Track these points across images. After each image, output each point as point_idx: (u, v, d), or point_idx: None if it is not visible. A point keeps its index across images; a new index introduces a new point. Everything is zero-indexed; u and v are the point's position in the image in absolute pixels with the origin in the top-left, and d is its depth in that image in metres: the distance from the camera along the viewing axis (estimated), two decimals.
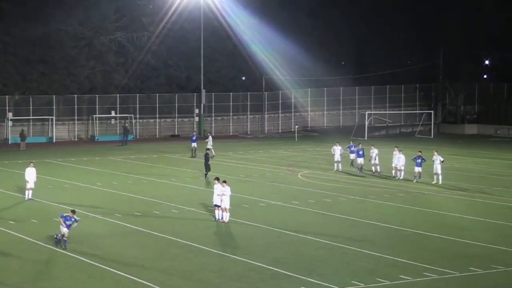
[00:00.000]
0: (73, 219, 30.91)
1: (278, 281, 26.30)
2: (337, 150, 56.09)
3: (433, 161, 50.33)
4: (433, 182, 49.59)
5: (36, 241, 32.10)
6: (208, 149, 57.04)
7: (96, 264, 28.43)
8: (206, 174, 51.28)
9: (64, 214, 31.33)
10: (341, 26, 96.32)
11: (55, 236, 31.18)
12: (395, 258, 29.56)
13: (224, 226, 35.65)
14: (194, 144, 65.60)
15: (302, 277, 26.61)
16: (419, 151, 51.69)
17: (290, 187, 48.50)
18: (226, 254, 30.26)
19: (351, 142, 57.75)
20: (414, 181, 50.26)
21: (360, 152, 55.26)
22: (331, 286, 25.74)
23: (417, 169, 50.66)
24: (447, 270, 27.81)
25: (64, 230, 30.63)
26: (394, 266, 28.43)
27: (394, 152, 52.19)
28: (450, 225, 36.16)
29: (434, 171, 50.03)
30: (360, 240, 32.69)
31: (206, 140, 65.97)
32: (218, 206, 36.51)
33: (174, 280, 26.45)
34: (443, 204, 42.12)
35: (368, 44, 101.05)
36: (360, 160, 55.09)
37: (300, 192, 46.13)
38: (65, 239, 30.66)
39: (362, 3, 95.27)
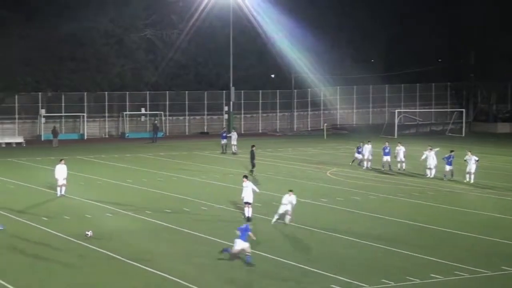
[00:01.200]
0: None
1: (308, 278, 26.31)
2: (367, 148, 56.17)
3: (466, 160, 50.25)
4: (465, 181, 49.47)
5: (68, 237, 32.31)
6: (253, 145, 56.39)
7: (127, 260, 28.58)
8: (252, 171, 51.70)
9: None
10: (371, 24, 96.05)
11: (85, 232, 31.46)
12: (426, 257, 29.51)
13: (253, 224, 35.69)
14: (224, 141, 66.09)
15: (332, 275, 26.60)
16: (451, 150, 51.61)
17: (319, 184, 48.60)
18: (256, 252, 30.26)
19: (387, 143, 57.28)
20: (445, 179, 50.12)
21: (387, 151, 55.28)
22: (361, 284, 25.73)
23: (448, 168, 50.59)
24: (478, 269, 27.71)
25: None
26: (424, 265, 28.38)
27: (429, 152, 52.06)
28: (481, 224, 36.08)
29: (467, 170, 49.87)
30: (389, 238, 32.64)
31: (229, 135, 66.57)
32: (247, 203, 36.70)
33: (205, 277, 26.53)
34: (474, 203, 42.12)
35: (398, 42, 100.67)
36: (387, 158, 55.08)
37: (329, 190, 46.26)
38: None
39: (392, 1, 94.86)
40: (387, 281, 26.05)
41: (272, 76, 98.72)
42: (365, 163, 56.39)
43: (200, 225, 35.24)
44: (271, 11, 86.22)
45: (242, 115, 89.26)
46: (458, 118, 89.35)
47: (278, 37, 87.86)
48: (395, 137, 79.27)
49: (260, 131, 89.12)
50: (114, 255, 29.28)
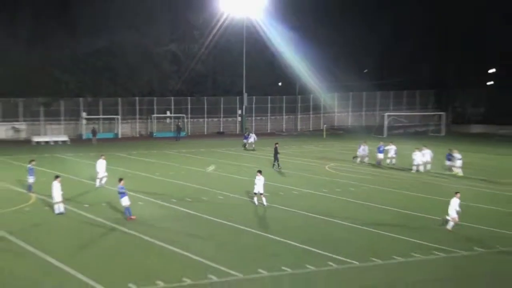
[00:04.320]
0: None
1: (309, 257, 26.57)
2: (363, 148, 56.28)
3: (453, 156, 50.56)
4: (449, 173, 49.92)
5: (106, 222, 32.71)
6: (276, 143, 56.52)
7: (158, 242, 28.88)
8: (274, 165, 52.09)
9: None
10: (366, 39, 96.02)
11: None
12: (409, 239, 29.74)
13: (263, 210, 35.97)
14: (245, 141, 66.56)
15: (329, 254, 26.87)
16: (450, 149, 52.01)
17: (320, 177, 48.66)
18: (264, 234, 30.55)
19: (381, 143, 57.51)
20: (460, 173, 50.09)
21: (381, 149, 55.50)
22: (353, 262, 26.01)
23: (449, 163, 51.11)
24: (454, 250, 27.94)
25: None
26: (408, 246, 28.61)
27: (424, 151, 52.34)
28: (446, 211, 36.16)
29: (453, 165, 50.47)
30: (379, 223, 32.85)
31: (251, 134, 67.19)
32: (260, 194, 36.91)
33: (222, 255, 26.78)
34: (445, 192, 41.98)
35: (389, 55, 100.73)
36: (380, 156, 55.31)
37: (328, 182, 46.31)
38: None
39: (382, 23, 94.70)
40: (375, 259, 26.31)
41: (279, 84, 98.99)
42: (358, 159, 56.57)
43: (217, 212, 35.40)
44: (278, 27, 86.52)
45: (253, 117, 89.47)
46: (439, 121, 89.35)
47: (285, 50, 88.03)
48: (385, 136, 79.36)
49: (269, 131, 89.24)
50: (146, 237, 29.59)
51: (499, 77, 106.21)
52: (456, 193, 32.50)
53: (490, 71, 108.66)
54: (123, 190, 33.39)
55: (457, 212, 31.77)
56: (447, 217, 31.51)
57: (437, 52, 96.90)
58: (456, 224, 31.66)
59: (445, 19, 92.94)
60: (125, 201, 33.32)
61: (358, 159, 56.40)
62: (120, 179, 34.23)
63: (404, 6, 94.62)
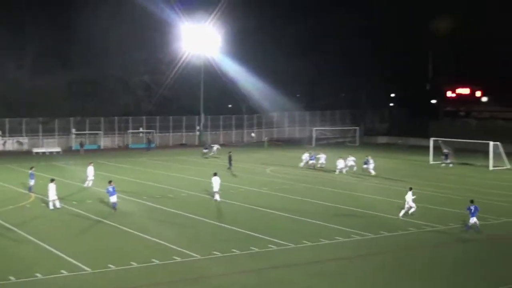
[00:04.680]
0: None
1: (253, 241, 26.53)
2: (305, 156, 56.28)
3: (369, 161, 51.29)
4: (373, 174, 50.29)
5: (92, 215, 32.23)
6: (230, 151, 56.35)
7: (130, 230, 28.55)
8: (228, 168, 51.90)
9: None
10: (298, 71, 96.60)
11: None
12: (333, 226, 29.89)
13: (217, 205, 35.83)
14: (205, 151, 65.92)
15: (269, 238, 26.88)
16: (366, 156, 52.39)
17: (262, 178, 48.61)
18: (218, 223, 30.47)
19: (311, 152, 57.63)
20: (373, 173, 50.30)
21: (312, 157, 55.69)
22: (289, 244, 26.06)
23: (365, 166, 51.37)
24: (366, 233, 28.12)
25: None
26: (332, 231, 28.74)
27: (349, 158, 52.77)
28: (363, 203, 36.45)
29: (369, 167, 51.09)
30: (310, 214, 32.96)
31: (212, 146, 66.86)
32: (216, 192, 36.77)
33: (184, 241, 26.62)
34: (362, 188, 42.51)
35: (316, 83, 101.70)
36: (312, 161, 55.48)
37: (269, 182, 46.29)
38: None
39: (312, 57, 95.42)
40: (306, 242, 26.39)
41: (229, 105, 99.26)
42: (302, 164, 56.46)
43: (180, 206, 35.18)
44: (229, 60, 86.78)
45: (209, 132, 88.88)
46: (354, 133, 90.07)
47: (235, 78, 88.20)
48: (313, 145, 79.95)
49: (221, 143, 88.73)
50: (123, 227, 29.27)
51: (398, 99, 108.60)
52: (410, 188, 32.78)
53: (392, 95, 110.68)
54: (112, 189, 33.50)
55: (413, 201, 31.98)
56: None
57: (352, 80, 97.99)
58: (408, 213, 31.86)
59: (358, 54, 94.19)
60: (113, 198, 33.49)
61: (302, 163, 56.22)
62: (110, 181, 34.15)
63: (326, 44, 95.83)
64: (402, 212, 31.92)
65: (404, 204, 32.15)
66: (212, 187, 37.08)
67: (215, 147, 67.36)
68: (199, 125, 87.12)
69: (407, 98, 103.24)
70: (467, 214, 29.26)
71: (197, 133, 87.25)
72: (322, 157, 55.25)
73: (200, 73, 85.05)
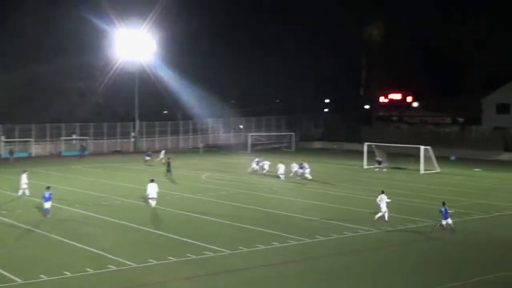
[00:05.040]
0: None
1: (189, 248, 26.40)
2: (254, 163, 56.35)
3: (303, 167, 51.87)
4: (310, 179, 50.85)
5: (22, 225, 31.36)
6: (168, 158, 56.01)
7: (64, 239, 28.01)
8: (167, 175, 51.87)
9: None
10: (233, 76, 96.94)
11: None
12: (269, 231, 30.04)
13: (152, 211, 35.50)
14: (148, 158, 64.98)
15: (205, 245, 26.80)
16: (302, 161, 52.94)
17: (198, 184, 48.40)
18: (153, 230, 30.21)
19: (257, 158, 57.70)
20: (310, 178, 50.95)
21: (260, 164, 55.75)
22: (224, 250, 26.04)
23: (300, 171, 52.01)
24: (302, 238, 28.40)
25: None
26: (268, 236, 28.89)
27: (292, 164, 53.38)
28: (299, 208, 36.85)
29: (305, 172, 51.66)
30: (246, 219, 33.03)
31: (160, 154, 65.90)
32: (152, 198, 36.52)
33: (119, 249, 26.26)
34: (298, 194, 42.91)
35: (251, 88, 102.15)
36: (256, 167, 55.52)
37: (205, 188, 46.13)
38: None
39: (245, 63, 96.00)
40: (242, 248, 26.44)
41: (165, 112, 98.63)
42: (250, 169, 56.38)
43: (114, 213, 34.72)
44: (163, 66, 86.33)
45: (144, 139, 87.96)
46: (289, 139, 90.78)
47: (170, 85, 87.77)
48: (248, 152, 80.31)
49: (157, 149, 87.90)
50: (55, 236, 28.64)
51: (333, 105, 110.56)
52: (382, 191, 33.18)
53: (326, 100, 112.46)
54: (49, 195, 33.30)
55: (387, 204, 32.38)
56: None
57: (287, 86, 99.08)
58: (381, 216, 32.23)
59: (293, 60, 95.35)
60: (47, 205, 33.20)
61: (250, 169, 56.21)
62: (48, 187, 34.03)
63: (260, 50, 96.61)
64: (378, 215, 32.26)
65: (379, 209, 32.40)
66: (147, 194, 36.75)
67: (162, 153, 66.15)
68: (134, 131, 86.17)
69: (341, 103, 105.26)
70: (437, 216, 30.69)
71: (132, 139, 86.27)
72: (266, 164, 55.65)
73: (135, 79, 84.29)
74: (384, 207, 32.39)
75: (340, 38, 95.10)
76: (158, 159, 64.64)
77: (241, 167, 59.30)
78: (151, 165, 62.59)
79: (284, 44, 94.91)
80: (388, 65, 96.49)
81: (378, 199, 32.71)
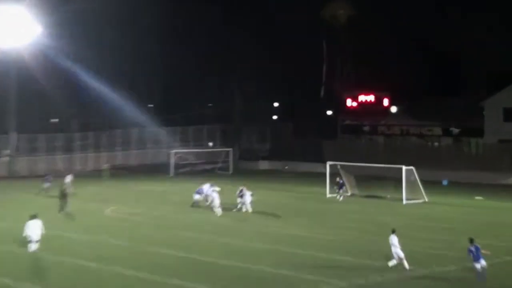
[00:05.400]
0: None
1: None
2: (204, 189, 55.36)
3: (243, 195, 51.54)
4: (244, 211, 50.86)
5: None
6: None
7: None
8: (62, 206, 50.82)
9: None
10: (148, 71, 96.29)
11: None
12: (192, 284, 29.13)
13: (32, 259, 34.04)
14: (47, 185, 62.93)
15: None
16: (242, 185, 53.01)
17: (99, 221, 47.30)
18: (31, 285, 28.94)
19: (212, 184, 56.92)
20: (235, 210, 51.27)
21: (200, 191, 54.97)
22: None
23: (239, 200, 52.08)
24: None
25: None
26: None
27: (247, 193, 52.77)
28: (238, 253, 36.09)
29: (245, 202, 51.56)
30: (160, 268, 31.99)
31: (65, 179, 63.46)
32: (34, 241, 35.16)
33: None
34: (235, 233, 42.12)
35: (174, 88, 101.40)
36: (198, 197, 54.65)
37: (107, 226, 45.19)
38: None
39: (167, 54, 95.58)
40: None
41: (54, 120, 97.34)
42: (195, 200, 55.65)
43: None
44: (53, 57, 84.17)
45: (26, 158, 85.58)
46: (226, 157, 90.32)
47: (59, 82, 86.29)
48: (171, 175, 79.26)
49: (44, 174, 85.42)
50: None
51: (283, 110, 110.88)
52: (393, 230, 32.62)
53: (275, 104, 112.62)
54: None
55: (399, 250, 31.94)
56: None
57: (222, 87, 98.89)
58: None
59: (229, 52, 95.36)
60: None
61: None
62: None
63: (188, 38, 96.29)
64: (393, 262, 31.97)
65: (392, 254, 32.02)
66: (26, 236, 35.26)
67: (69, 178, 63.40)
68: (8, 148, 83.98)
69: (295, 108, 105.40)
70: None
71: (6, 159, 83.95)
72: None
73: (10, 75, 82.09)
74: (400, 252, 32.00)
75: (295, 20, 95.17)
76: (64, 186, 61.88)
77: (159, 197, 58.23)
78: (51, 196, 60.14)
79: (215, 29, 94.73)
80: (357, 56, 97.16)
81: (390, 241, 32.38)
